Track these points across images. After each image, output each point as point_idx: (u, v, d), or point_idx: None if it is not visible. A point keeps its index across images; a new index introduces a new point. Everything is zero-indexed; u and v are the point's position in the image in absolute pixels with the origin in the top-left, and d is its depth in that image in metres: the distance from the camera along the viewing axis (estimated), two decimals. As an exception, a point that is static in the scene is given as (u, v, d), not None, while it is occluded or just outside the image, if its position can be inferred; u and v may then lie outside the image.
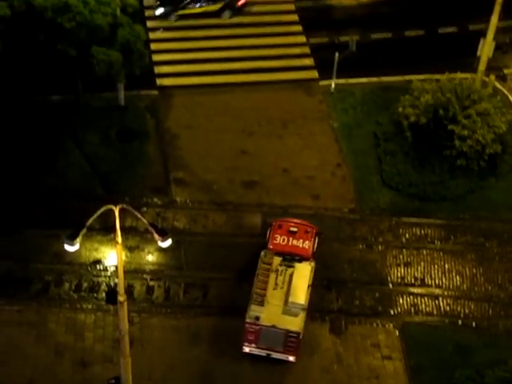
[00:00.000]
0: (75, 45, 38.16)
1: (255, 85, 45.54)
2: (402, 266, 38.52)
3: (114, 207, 27.50)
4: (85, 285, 37.01)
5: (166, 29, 48.04)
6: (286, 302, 34.49)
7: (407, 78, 45.13)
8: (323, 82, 45.97)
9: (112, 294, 33.94)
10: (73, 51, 38.10)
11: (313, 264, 35.80)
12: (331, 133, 43.76)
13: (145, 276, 37.44)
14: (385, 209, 40.53)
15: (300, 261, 35.69)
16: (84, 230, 27.04)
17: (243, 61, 46.27)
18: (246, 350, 34.99)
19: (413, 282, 38.08)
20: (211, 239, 38.83)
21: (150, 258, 38.09)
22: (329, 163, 42.34)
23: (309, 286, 35.09)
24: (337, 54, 44.10)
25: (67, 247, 27.49)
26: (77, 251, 29.78)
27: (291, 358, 34.93)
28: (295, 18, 49.76)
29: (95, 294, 36.76)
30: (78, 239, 27.06)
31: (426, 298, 37.57)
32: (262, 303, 34.42)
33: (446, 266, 38.60)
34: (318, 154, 42.60)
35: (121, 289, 28.94)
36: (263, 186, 40.93)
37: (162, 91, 45.07)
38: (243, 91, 45.11)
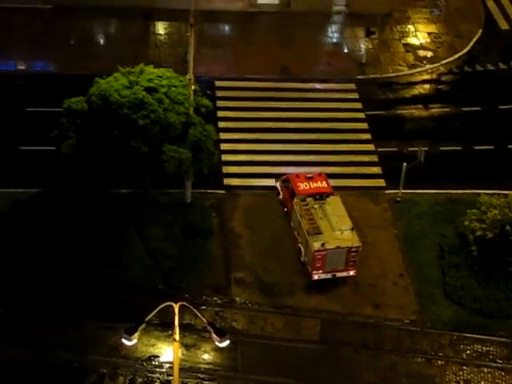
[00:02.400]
0: (147, 141, 38.91)
1: (321, 189, 45.77)
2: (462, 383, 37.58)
3: (173, 304, 27.54)
4: (139, 380, 36.75)
5: (239, 130, 48.72)
6: (335, 227, 40.61)
7: (475, 191, 44.89)
8: (389, 191, 45.99)
9: (166, 391, 33.68)
10: (145, 148, 38.82)
11: (338, 196, 42.48)
12: (395, 242, 43.51)
13: (199, 375, 37.04)
14: (446, 322, 39.80)
15: (328, 196, 42.25)
16: (143, 326, 27.07)
17: (311, 166, 46.55)
18: (315, 277, 40.49)
19: (472, 400, 37.14)
20: (269, 342, 38.42)
21: (206, 356, 37.79)
22: (391, 272, 41.96)
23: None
24: (404, 164, 44.18)
25: (125, 341, 27.53)
26: (133, 345, 29.76)
27: (352, 272, 40.80)
28: (365, 126, 50.19)
29: (149, 391, 36.54)
30: (136, 334, 27.08)
31: (485, 418, 36.55)
32: (319, 233, 40.27)
33: (508, 386, 37.58)
34: (381, 263, 42.29)
35: (175, 387, 28.74)
36: (324, 292, 40.63)
37: (229, 191, 45.52)
38: (309, 195, 45.32)
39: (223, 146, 47.35)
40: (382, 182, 46.77)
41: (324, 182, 43.39)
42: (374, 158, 48.24)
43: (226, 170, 46.64)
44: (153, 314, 27.63)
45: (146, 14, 57.26)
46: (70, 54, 53.60)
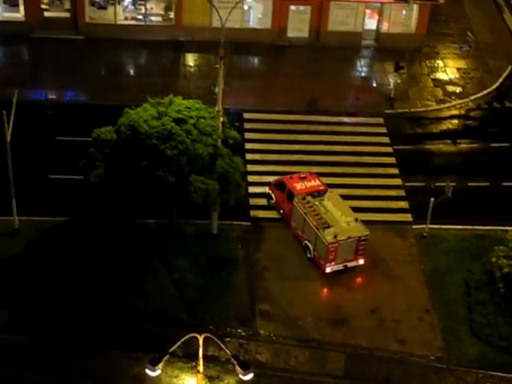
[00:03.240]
0: (175, 172, 39.05)
1: (348, 223, 45.66)
2: (488, 422, 37.20)
3: (198, 335, 27.47)
4: (162, 411, 36.69)
5: (266, 162, 48.80)
6: (341, 220, 42.23)
7: (502, 228, 44.57)
8: (416, 226, 45.78)
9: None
10: (172, 178, 38.94)
11: (334, 191, 44.16)
12: (421, 277, 43.22)
13: (222, 407, 36.98)
14: (472, 360, 39.37)
15: (324, 192, 43.92)
16: (167, 357, 27.00)
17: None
18: (328, 269, 42.19)
19: None
20: (292, 376, 38.16)
21: (229, 389, 37.66)
22: (417, 308, 41.65)
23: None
24: (432, 199, 44.01)
25: (149, 372, 27.47)
26: (157, 376, 29.67)
27: (361, 261, 42.67)
28: (392, 160, 50.12)
29: (171, 422, 36.35)
30: (160, 365, 27.02)
31: None
32: (328, 226, 41.87)
33: (534, 426, 37.06)
34: (407, 298, 42.01)
35: (197, 419, 28.58)
36: (349, 326, 40.39)
37: (255, 223, 45.51)
38: (335, 229, 45.22)
39: (250, 178, 47.43)
40: (408, 217, 46.58)
41: (317, 181, 45.06)
42: (402, 193, 48.10)
43: (253, 201, 46.69)
44: (177, 345, 27.58)
45: (175, 45, 57.78)
46: (100, 84, 54.11)
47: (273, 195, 45.87)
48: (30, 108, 50.19)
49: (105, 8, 58.28)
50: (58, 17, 58.01)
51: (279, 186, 45.42)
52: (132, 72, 56.87)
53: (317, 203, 43.30)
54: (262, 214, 46.05)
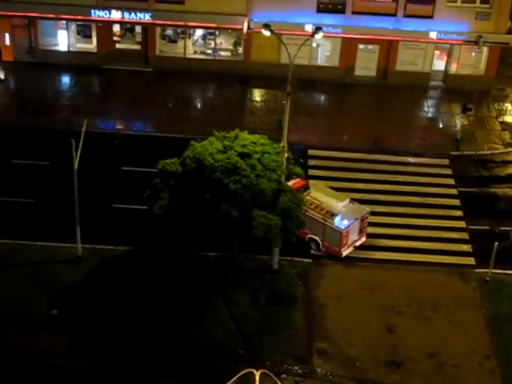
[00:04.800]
0: (238, 206, 39.19)
1: (409, 264, 45.20)
2: None
3: (254, 371, 27.46)
4: None
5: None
6: (338, 205, 44.27)
7: None
8: (479, 270, 45.16)
9: None
10: (235, 212, 39.09)
11: (315, 182, 46.81)
12: (483, 322, 42.52)
13: None
14: (533, 409, 38.66)
15: (308, 187, 45.68)
16: (223, 391, 27.06)
17: (399, 239, 46.21)
18: (344, 253, 44.44)
19: None
20: (347, 416, 37.92)
21: (283, 427, 37.38)
22: (477, 353, 40.92)
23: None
24: (496, 243, 43.44)
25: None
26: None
27: (363, 239, 45.30)
28: (457, 202, 49.66)
29: None
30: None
31: None
32: (334, 214, 43.94)
33: None
34: (467, 343, 41.32)
35: None
36: (406, 369, 39.86)
37: (316, 260, 45.37)
38: (396, 268, 44.82)
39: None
40: (471, 261, 45.97)
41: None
42: (465, 236, 47.55)
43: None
44: (233, 379, 27.62)
45: (243, 80, 58.31)
46: (167, 116, 54.83)
47: None
48: (98, 138, 51.05)
49: (175, 41, 59.32)
50: (129, 49, 59.19)
51: None
52: (199, 105, 57.48)
53: (309, 197, 44.72)
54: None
